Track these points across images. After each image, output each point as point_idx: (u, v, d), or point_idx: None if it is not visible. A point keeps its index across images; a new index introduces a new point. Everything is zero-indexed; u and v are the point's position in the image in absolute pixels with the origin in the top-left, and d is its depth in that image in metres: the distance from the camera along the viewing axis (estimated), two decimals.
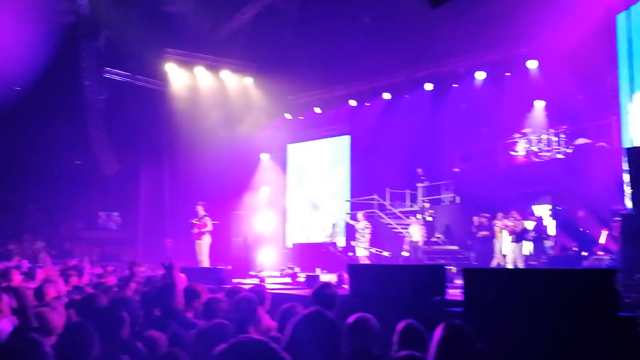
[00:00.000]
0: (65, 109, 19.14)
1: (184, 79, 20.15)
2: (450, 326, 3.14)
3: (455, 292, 6.37)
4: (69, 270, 8.71)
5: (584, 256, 12.68)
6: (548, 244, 14.67)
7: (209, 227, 13.74)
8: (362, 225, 15.41)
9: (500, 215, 13.73)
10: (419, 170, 18.17)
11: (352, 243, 15.82)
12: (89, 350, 3.46)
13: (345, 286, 7.64)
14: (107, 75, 18.88)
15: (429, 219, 16.59)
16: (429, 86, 19.01)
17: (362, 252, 15.31)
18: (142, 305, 4.85)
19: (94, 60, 17.92)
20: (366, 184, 19.58)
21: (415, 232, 15.11)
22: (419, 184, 18.42)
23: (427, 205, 17.14)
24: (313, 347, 2.38)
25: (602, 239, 12.53)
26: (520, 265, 12.85)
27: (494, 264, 13.68)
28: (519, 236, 13.29)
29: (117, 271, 10.70)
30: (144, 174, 21.60)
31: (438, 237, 16.72)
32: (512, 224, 13.35)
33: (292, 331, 2.44)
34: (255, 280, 11.07)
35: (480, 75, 17.86)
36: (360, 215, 15.80)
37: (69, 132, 20.16)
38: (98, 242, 22.31)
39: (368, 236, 15.39)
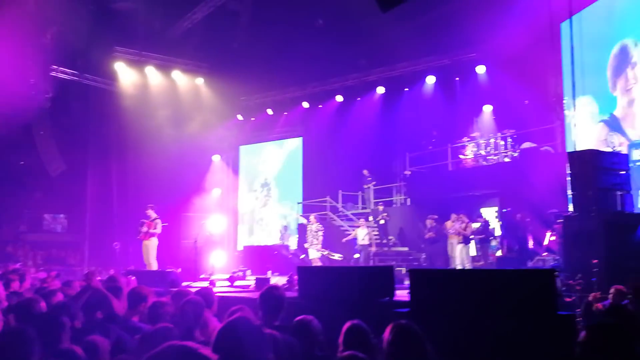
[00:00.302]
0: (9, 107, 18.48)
1: (134, 79, 19.77)
2: (398, 327, 3.17)
3: (404, 293, 6.45)
4: (10, 275, 8.41)
5: (529, 257, 12.99)
6: (494, 245, 14.98)
7: (158, 230, 13.53)
8: (315, 228, 15.41)
9: (453, 216, 13.91)
10: (365, 172, 18.35)
11: (305, 245, 15.80)
12: (28, 356, 3.35)
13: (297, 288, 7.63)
14: (53, 74, 18.35)
15: (382, 222, 16.71)
16: (380, 89, 19.22)
17: (315, 254, 15.31)
18: (84, 309, 4.72)
19: (40, 57, 17.38)
20: (318, 186, 19.63)
21: (364, 235, 15.17)
22: (366, 185, 18.59)
23: (381, 208, 17.29)
24: (237, 354, 2.37)
25: (546, 241, 12.89)
26: (468, 266, 13.08)
27: (452, 265, 13.84)
28: (467, 238, 13.54)
29: (61, 275, 10.40)
30: (92, 175, 21.02)
31: (390, 239, 16.87)
32: (461, 226, 13.56)
33: (216, 339, 2.43)
34: (206, 283, 10.94)
35: (430, 80, 18.14)
36: (312, 217, 15.80)
37: (13, 131, 19.44)
38: (43, 245, 21.58)
39: (321, 238, 15.40)
